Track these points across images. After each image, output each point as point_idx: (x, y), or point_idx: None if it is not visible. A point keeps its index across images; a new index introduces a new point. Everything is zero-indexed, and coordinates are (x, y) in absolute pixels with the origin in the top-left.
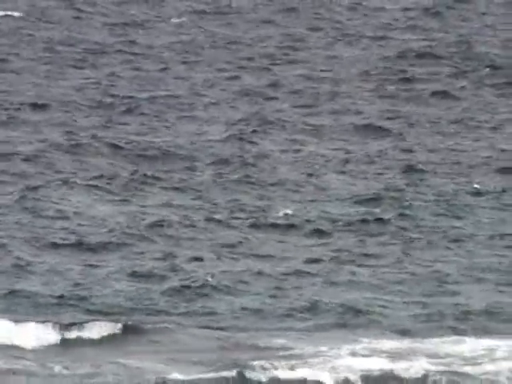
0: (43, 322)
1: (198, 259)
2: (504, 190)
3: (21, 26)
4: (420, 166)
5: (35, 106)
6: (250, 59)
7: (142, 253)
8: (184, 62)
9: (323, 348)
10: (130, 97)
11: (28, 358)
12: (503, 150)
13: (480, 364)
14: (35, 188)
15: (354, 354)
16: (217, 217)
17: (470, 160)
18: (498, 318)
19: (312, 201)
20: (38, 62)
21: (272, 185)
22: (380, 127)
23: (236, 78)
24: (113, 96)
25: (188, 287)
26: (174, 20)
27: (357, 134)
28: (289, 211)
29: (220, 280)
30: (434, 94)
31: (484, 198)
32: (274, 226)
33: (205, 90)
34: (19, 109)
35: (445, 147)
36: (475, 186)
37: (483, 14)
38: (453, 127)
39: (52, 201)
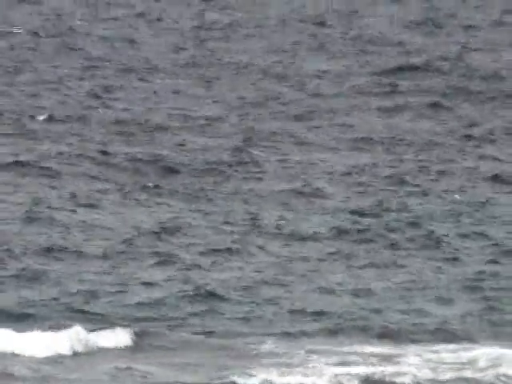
0: (47, 330)
1: (196, 266)
2: (490, 200)
3: (22, 42)
4: (408, 178)
5: (35, 118)
6: (242, 73)
7: (142, 260)
8: (178, 75)
9: (313, 353)
10: (127, 109)
11: (31, 365)
12: (493, 159)
13: (465, 370)
14: (39, 198)
15: (343, 359)
16: (212, 225)
17: (458, 170)
18: (482, 325)
19: (304, 210)
20: (39, 74)
21: (265, 195)
22: (370, 139)
23: (229, 90)
24: (110, 108)
25: (185, 294)
26: (170, 36)
27: (348, 146)
28: (281, 220)
29: (216, 287)
30: (424, 106)
31: (471, 208)
32: (268, 233)
33: (199, 103)
34: (19, 120)
35: (434, 158)
36: (462, 195)
37: (470, 27)
38: (442, 138)
39: (55, 210)
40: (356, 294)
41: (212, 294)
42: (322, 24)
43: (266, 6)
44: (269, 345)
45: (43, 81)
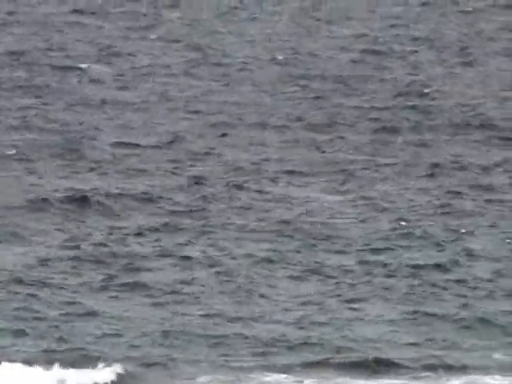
0: (26, 366)
1: (178, 302)
2: (435, 231)
3: None
4: (377, 212)
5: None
6: (203, 111)
7: (111, 295)
8: (137, 110)
9: None
10: (103, 143)
11: None
12: (439, 193)
13: None
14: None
15: None
16: (195, 257)
17: (420, 203)
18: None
19: (269, 244)
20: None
21: (249, 230)
22: (353, 175)
23: (216, 127)
24: (87, 144)
25: (167, 331)
26: (128, 72)
27: (313, 181)
28: (265, 254)
29: (174, 322)
30: (372, 142)
31: (415, 239)
32: (252, 268)
33: (185, 135)
34: None
35: (381, 192)
36: (407, 226)
37: (418, 62)
38: (388, 173)
39: (22, 246)
40: (302, 326)
41: (195, 331)
42: (282, 64)
43: (225, 45)
44: (204, 377)
45: (6, 116)
